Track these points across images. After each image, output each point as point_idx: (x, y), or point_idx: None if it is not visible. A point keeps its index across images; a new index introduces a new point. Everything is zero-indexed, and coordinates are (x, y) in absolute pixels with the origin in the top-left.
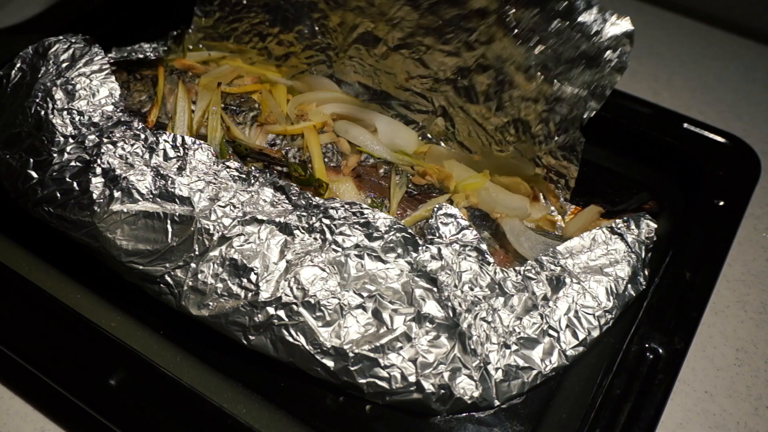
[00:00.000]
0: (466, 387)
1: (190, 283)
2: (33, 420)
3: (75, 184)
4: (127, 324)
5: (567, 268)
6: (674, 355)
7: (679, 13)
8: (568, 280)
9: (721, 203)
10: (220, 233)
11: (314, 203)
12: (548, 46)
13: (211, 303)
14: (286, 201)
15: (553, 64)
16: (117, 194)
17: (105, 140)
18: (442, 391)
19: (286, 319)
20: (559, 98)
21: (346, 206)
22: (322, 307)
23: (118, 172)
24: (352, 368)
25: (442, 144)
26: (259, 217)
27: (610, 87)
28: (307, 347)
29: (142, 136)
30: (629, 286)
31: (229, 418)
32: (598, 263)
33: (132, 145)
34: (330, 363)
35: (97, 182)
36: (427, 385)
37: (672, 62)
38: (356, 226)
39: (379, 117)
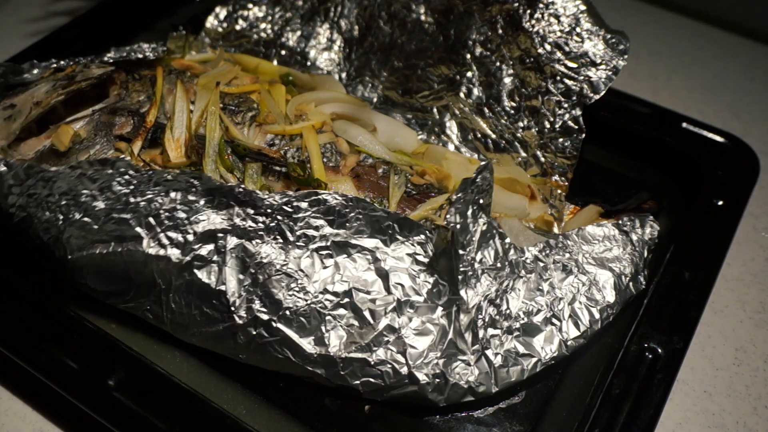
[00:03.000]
0: (461, 372)
1: (169, 316)
2: (32, 421)
3: (38, 239)
4: (126, 324)
5: (573, 257)
6: (673, 355)
7: (678, 13)
8: (574, 270)
9: (720, 203)
10: (179, 260)
11: (263, 198)
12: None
13: (195, 330)
14: (227, 200)
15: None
16: (72, 241)
17: (32, 192)
18: (437, 380)
19: (268, 336)
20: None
21: (299, 197)
22: (300, 317)
23: (60, 223)
24: (343, 372)
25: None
26: (209, 228)
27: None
28: (294, 359)
29: (58, 170)
30: (631, 283)
31: (229, 418)
32: (603, 257)
33: (54, 183)
34: (320, 371)
35: (47, 237)
36: (421, 376)
37: (671, 62)
38: (314, 216)
39: (378, 116)
